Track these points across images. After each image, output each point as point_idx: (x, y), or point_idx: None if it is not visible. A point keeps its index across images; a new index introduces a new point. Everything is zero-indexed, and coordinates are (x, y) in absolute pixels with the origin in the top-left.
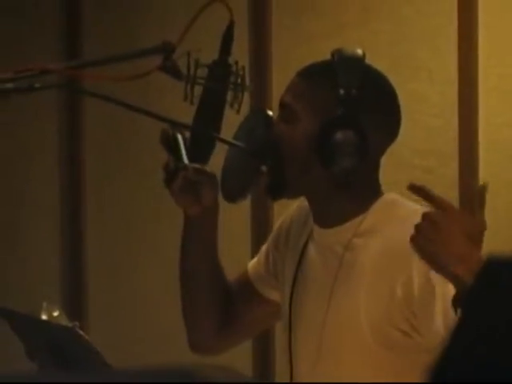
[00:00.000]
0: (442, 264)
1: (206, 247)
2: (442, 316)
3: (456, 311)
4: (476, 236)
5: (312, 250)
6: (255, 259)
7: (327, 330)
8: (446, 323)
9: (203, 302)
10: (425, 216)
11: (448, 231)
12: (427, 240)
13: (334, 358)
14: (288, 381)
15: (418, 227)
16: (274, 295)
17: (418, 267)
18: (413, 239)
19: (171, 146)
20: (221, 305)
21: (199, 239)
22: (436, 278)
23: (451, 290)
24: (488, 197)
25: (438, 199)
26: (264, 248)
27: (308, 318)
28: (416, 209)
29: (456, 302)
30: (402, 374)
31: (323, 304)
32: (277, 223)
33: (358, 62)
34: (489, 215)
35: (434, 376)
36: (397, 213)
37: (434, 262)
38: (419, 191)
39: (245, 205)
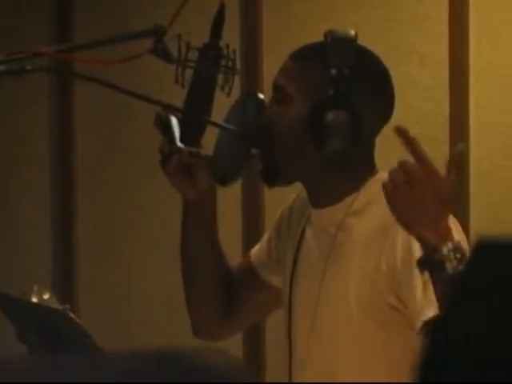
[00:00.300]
0: (412, 222)
1: (206, 232)
2: (421, 287)
3: (421, 272)
4: (446, 196)
5: (309, 232)
6: (257, 246)
7: (320, 307)
8: (425, 294)
9: (205, 287)
10: (401, 164)
11: (421, 188)
12: (400, 192)
13: (326, 334)
14: (286, 358)
15: (392, 175)
16: (275, 281)
17: (401, 240)
18: (385, 186)
19: (165, 128)
20: (223, 290)
21: (199, 224)
22: (418, 250)
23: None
24: (480, 181)
25: (420, 153)
26: (266, 235)
27: (303, 296)
28: None
29: (420, 263)
30: (391, 349)
31: (317, 283)
32: (276, 210)
33: (350, 43)
34: (481, 199)
35: (424, 364)
36: None
37: (404, 218)
38: (405, 137)
39: (235, 188)
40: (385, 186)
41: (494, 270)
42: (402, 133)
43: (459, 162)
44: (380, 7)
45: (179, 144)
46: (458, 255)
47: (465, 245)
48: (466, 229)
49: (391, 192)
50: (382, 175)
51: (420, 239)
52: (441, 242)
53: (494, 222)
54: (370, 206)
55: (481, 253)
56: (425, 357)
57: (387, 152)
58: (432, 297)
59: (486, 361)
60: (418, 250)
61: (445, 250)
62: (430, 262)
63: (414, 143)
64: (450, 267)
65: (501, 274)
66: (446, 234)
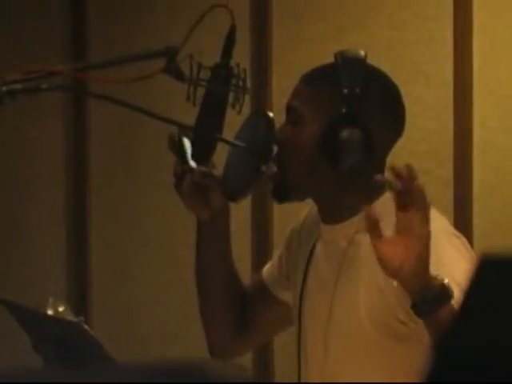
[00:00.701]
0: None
1: (220, 250)
2: None
3: (419, 316)
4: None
5: (319, 248)
6: (269, 264)
7: (332, 323)
8: None
9: (220, 304)
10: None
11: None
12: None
13: (337, 348)
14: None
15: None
16: (286, 297)
17: None
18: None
19: (178, 150)
20: (237, 307)
21: (213, 243)
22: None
23: None
24: (483, 198)
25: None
26: (277, 252)
27: (315, 312)
28: None
29: (415, 309)
30: (404, 362)
31: (328, 298)
32: (285, 227)
33: (360, 63)
34: (484, 215)
35: (429, 378)
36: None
37: (391, 261)
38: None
39: (245, 206)
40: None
41: (498, 285)
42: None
43: (418, 192)
44: (385, 28)
45: (191, 163)
46: (446, 296)
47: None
48: (469, 242)
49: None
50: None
51: (408, 284)
52: (426, 287)
53: (497, 236)
54: (380, 222)
55: (484, 269)
56: (429, 371)
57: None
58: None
59: (488, 375)
60: (448, 262)
61: (431, 295)
62: (419, 307)
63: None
64: (437, 310)
65: (505, 289)
66: (430, 279)
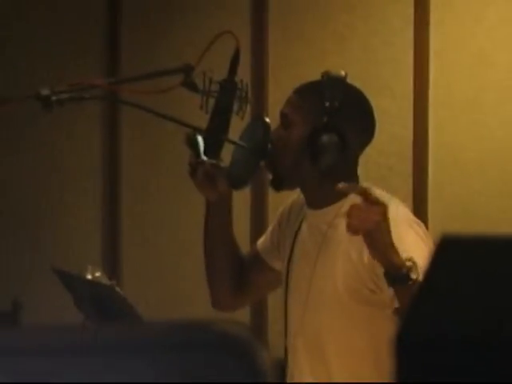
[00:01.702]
0: (384, 243)
1: (224, 226)
2: None
3: (389, 284)
4: (384, 217)
5: (304, 227)
6: (262, 237)
7: (312, 289)
8: None
9: (223, 269)
10: (351, 207)
11: (384, 218)
12: (364, 220)
13: (317, 310)
14: (282, 328)
15: (349, 213)
16: (276, 264)
17: None
18: (348, 224)
19: (193, 145)
20: (236, 271)
21: (218, 220)
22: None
23: None
24: (437, 190)
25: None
26: (270, 228)
27: (298, 280)
28: (382, 195)
29: (387, 277)
30: (372, 324)
31: (310, 268)
32: (278, 209)
33: (341, 81)
34: (438, 204)
35: (398, 340)
36: None
37: (376, 240)
38: (363, 194)
39: (245, 192)
40: (348, 224)
41: (456, 262)
42: (361, 193)
43: (367, 194)
44: (360, 51)
45: (203, 157)
46: (414, 268)
47: (423, 261)
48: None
49: (355, 225)
50: (364, 185)
51: (385, 259)
52: (400, 261)
53: (449, 222)
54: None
55: (444, 248)
56: (398, 335)
57: (365, 167)
58: None
59: (451, 346)
60: (408, 244)
61: (404, 268)
62: (393, 277)
63: (367, 194)
64: (408, 280)
65: (462, 265)
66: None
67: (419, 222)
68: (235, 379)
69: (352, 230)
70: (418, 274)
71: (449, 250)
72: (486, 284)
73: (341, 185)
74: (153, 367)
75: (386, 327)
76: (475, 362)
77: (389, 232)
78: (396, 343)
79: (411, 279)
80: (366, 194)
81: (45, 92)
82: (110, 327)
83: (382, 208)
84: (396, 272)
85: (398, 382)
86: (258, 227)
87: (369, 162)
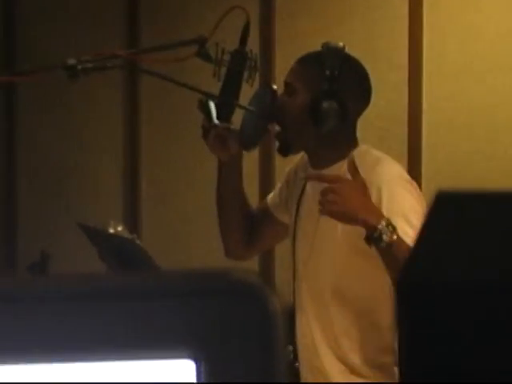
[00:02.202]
0: (348, 215)
1: (235, 184)
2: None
3: (369, 245)
4: (364, 190)
5: (309, 185)
6: (271, 194)
7: (315, 241)
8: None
9: (234, 222)
10: (323, 190)
11: (345, 193)
12: (330, 202)
13: (320, 259)
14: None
15: (322, 199)
16: (284, 218)
17: (387, 194)
18: (321, 204)
19: (205, 110)
20: (246, 223)
21: (229, 178)
22: (400, 201)
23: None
24: (430, 151)
25: (323, 176)
26: (278, 186)
27: (304, 233)
28: (379, 156)
29: (366, 239)
30: (368, 273)
31: (314, 224)
32: (284, 169)
33: (340, 52)
34: (431, 165)
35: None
36: (367, 159)
37: (341, 215)
38: (351, 167)
39: (254, 154)
40: (322, 212)
41: (452, 217)
42: (351, 164)
43: (355, 168)
44: (359, 24)
45: (216, 121)
46: (391, 228)
47: (414, 215)
48: (419, 186)
49: (327, 206)
50: (363, 147)
51: (362, 224)
52: (377, 223)
53: (441, 182)
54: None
55: (440, 203)
56: (400, 280)
57: (365, 131)
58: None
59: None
60: (400, 201)
61: (380, 226)
62: (372, 237)
63: (320, 176)
64: (385, 239)
65: (457, 220)
66: (378, 216)
67: (412, 181)
68: (247, 324)
69: (328, 213)
70: (391, 236)
71: (444, 204)
72: (479, 234)
73: (303, 175)
74: (166, 313)
75: (383, 277)
76: (475, 306)
77: (363, 197)
78: (397, 287)
79: (383, 241)
80: (323, 179)
81: (71, 62)
82: (126, 275)
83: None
84: (370, 234)
85: (400, 325)
86: (266, 185)
87: (367, 125)
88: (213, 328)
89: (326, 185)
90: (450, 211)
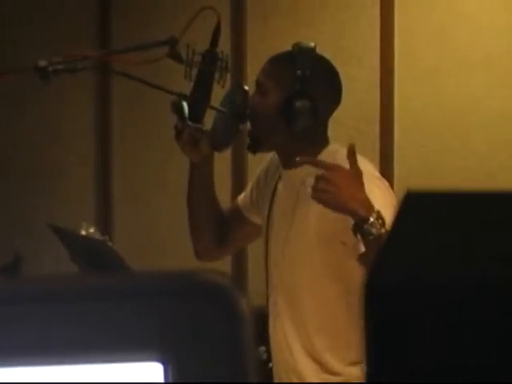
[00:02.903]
0: (339, 205)
1: (206, 185)
2: None
3: (355, 235)
4: (359, 180)
5: (280, 186)
6: (242, 194)
7: (289, 240)
8: None
9: (205, 222)
10: (318, 176)
11: (337, 182)
12: (322, 191)
13: (292, 259)
14: (261, 277)
15: (314, 186)
16: (255, 218)
17: None
18: (313, 190)
19: (178, 111)
20: (218, 225)
21: (201, 179)
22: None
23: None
24: (402, 150)
25: (320, 162)
26: (249, 186)
27: (277, 234)
28: None
29: (354, 229)
30: (342, 272)
31: (287, 223)
32: (255, 169)
33: (311, 52)
34: (402, 164)
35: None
36: (338, 158)
37: (331, 204)
38: (352, 153)
39: (226, 154)
40: (314, 197)
41: (420, 216)
42: (351, 151)
43: (354, 156)
44: (330, 25)
45: (188, 122)
46: (380, 221)
47: (388, 203)
48: (391, 184)
49: (321, 196)
50: (333, 146)
51: (352, 214)
52: (367, 214)
53: (412, 180)
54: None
55: (409, 202)
56: (367, 281)
57: (336, 131)
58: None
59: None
60: (372, 199)
61: (371, 218)
62: (361, 229)
63: (316, 161)
64: (375, 232)
65: (425, 219)
66: (369, 208)
67: (383, 179)
68: (215, 325)
69: (318, 200)
70: (380, 229)
71: (413, 204)
72: (448, 234)
73: (298, 159)
74: (134, 315)
75: (356, 276)
76: (442, 307)
77: (357, 188)
78: (365, 288)
79: (372, 234)
80: (319, 165)
81: (42, 63)
82: (95, 276)
83: (340, 171)
84: (360, 225)
85: (366, 325)
86: (238, 186)
87: (339, 125)
88: (181, 330)
89: (297, 183)
90: (418, 211)
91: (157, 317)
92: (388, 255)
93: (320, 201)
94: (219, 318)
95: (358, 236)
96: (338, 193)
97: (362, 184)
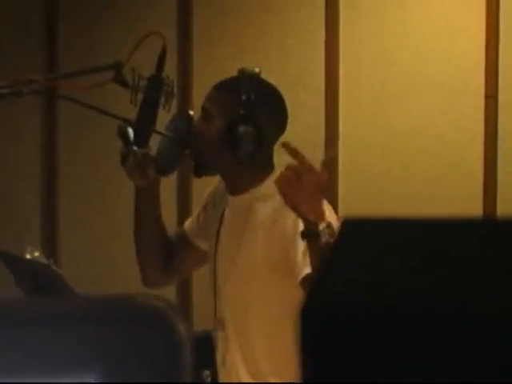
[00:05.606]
0: (297, 205)
1: (152, 210)
2: (302, 253)
3: (303, 240)
4: (322, 186)
5: (228, 212)
6: (189, 220)
7: (236, 264)
8: (304, 258)
9: (150, 249)
10: (289, 166)
11: (304, 181)
12: (288, 184)
13: (240, 286)
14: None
15: (283, 173)
16: (202, 245)
17: (292, 223)
18: (277, 181)
19: (124, 136)
20: (164, 251)
21: (147, 205)
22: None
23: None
24: (346, 174)
25: (302, 159)
26: (196, 212)
27: (225, 258)
28: None
29: (302, 234)
30: (287, 295)
31: (234, 249)
32: (202, 194)
33: (255, 77)
34: (346, 189)
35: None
36: None
37: (292, 202)
38: (290, 150)
39: (172, 179)
40: (277, 182)
41: (357, 241)
42: (288, 148)
43: (329, 163)
44: (275, 50)
45: (133, 147)
46: (329, 231)
47: (335, 224)
48: (335, 208)
49: (283, 185)
50: (280, 172)
51: (303, 217)
52: (318, 220)
53: (356, 202)
54: (270, 194)
55: (347, 228)
56: (304, 305)
57: (282, 156)
58: (308, 261)
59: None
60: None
61: (320, 227)
62: (309, 234)
63: (298, 154)
64: (323, 239)
65: (362, 244)
66: (322, 215)
67: (328, 203)
68: (152, 351)
69: (279, 189)
70: (329, 238)
71: (351, 230)
72: (384, 260)
73: (284, 143)
74: (73, 337)
75: (295, 297)
76: (374, 332)
77: (317, 195)
78: (300, 314)
79: (321, 241)
80: (300, 160)
81: None
82: (36, 301)
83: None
84: (309, 230)
85: (301, 348)
86: (184, 211)
87: (284, 150)
88: (120, 352)
89: (244, 208)
90: (356, 238)
91: (97, 340)
92: (324, 280)
93: (281, 190)
94: (157, 341)
95: (305, 241)
96: (300, 192)
97: (323, 194)
